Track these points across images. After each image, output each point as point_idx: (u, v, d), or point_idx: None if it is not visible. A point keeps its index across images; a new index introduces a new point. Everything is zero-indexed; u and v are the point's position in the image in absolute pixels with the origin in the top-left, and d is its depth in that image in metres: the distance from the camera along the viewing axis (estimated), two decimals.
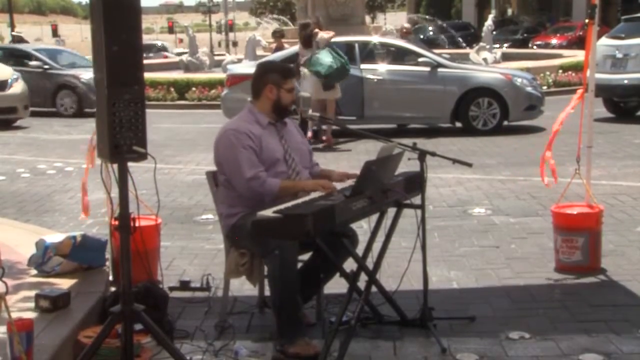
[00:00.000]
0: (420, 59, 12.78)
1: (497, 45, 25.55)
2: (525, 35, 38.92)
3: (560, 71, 19.84)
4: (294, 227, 3.72)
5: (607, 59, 13.19)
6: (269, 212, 3.84)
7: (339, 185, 4.38)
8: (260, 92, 4.46)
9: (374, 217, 4.36)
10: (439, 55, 13.68)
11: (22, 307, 4.23)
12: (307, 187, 4.30)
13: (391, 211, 4.36)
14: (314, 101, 11.60)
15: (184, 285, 5.16)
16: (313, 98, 11.56)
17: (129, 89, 3.47)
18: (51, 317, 4.13)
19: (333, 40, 11.82)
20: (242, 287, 4.93)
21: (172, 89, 19.44)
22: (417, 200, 4.33)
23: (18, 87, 15.77)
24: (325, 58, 11.31)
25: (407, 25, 18.26)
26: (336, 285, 4.60)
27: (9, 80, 15.64)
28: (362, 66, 12.64)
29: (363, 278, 4.24)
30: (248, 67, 13.37)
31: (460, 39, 29.66)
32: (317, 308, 4.60)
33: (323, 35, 11.65)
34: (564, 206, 5.61)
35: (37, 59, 18.35)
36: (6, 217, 7.16)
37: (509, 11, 56.36)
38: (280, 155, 4.38)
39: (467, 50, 25.84)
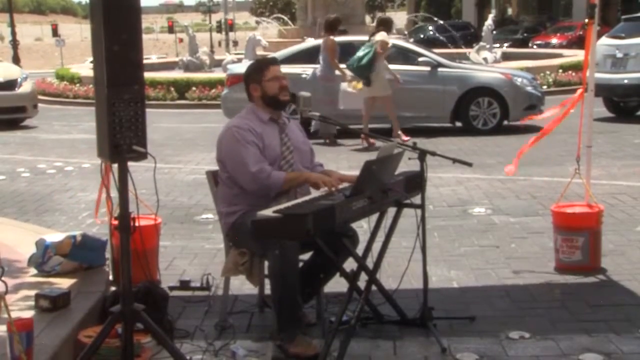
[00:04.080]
0: (421, 59, 12.78)
1: (497, 45, 25.53)
2: (525, 35, 38.92)
3: (560, 71, 19.85)
4: (294, 227, 3.72)
5: (607, 59, 13.20)
6: (269, 212, 3.84)
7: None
8: (250, 94, 4.52)
9: (374, 217, 4.36)
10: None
11: (22, 307, 4.23)
12: (310, 178, 4.32)
13: (391, 211, 4.36)
14: (366, 98, 11.62)
15: (184, 285, 5.16)
16: (364, 95, 11.59)
17: (129, 88, 3.47)
18: (51, 316, 4.13)
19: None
20: (242, 286, 4.92)
21: (172, 89, 19.45)
22: (417, 199, 4.33)
23: (27, 87, 15.84)
24: (359, 52, 11.40)
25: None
26: (336, 285, 4.60)
27: (19, 80, 15.71)
28: None
29: (363, 278, 4.24)
30: None
31: (444, 39, 29.51)
32: (317, 308, 4.59)
33: (380, 37, 11.53)
34: (564, 206, 5.61)
35: None
36: (6, 217, 7.16)
37: (509, 11, 56.36)
38: (279, 152, 4.39)
39: (451, 50, 25.77)
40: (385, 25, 11.94)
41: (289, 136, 4.48)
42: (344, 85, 11.76)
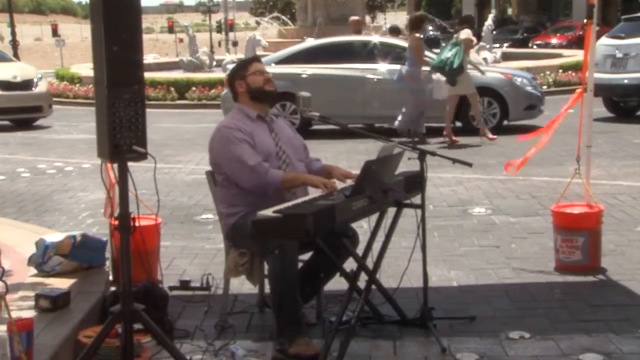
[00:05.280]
0: None
1: (497, 45, 25.52)
2: (525, 35, 38.91)
3: (560, 71, 19.85)
4: (294, 227, 3.72)
5: (607, 59, 13.20)
6: (269, 212, 3.83)
7: (339, 185, 4.38)
8: (235, 93, 4.57)
9: (374, 217, 4.36)
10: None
11: (22, 307, 4.23)
12: (308, 181, 4.32)
13: (391, 211, 4.36)
14: (451, 96, 11.68)
15: (184, 285, 5.16)
16: (450, 93, 11.66)
17: (129, 88, 3.47)
18: (51, 317, 4.13)
19: (331, 40, 11.82)
20: (242, 286, 4.93)
21: (172, 89, 19.44)
22: (417, 199, 4.33)
23: (43, 86, 16.01)
24: (446, 53, 11.38)
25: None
26: (336, 285, 4.60)
27: (35, 80, 15.84)
28: (362, 66, 12.63)
29: (363, 278, 4.24)
30: None
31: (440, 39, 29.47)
32: (317, 308, 4.60)
33: (465, 35, 11.54)
34: (564, 206, 5.61)
35: None
36: (6, 217, 7.16)
37: (509, 11, 56.35)
38: (272, 149, 4.40)
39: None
40: (469, 22, 12.06)
41: (279, 135, 4.50)
42: (437, 75, 11.79)
